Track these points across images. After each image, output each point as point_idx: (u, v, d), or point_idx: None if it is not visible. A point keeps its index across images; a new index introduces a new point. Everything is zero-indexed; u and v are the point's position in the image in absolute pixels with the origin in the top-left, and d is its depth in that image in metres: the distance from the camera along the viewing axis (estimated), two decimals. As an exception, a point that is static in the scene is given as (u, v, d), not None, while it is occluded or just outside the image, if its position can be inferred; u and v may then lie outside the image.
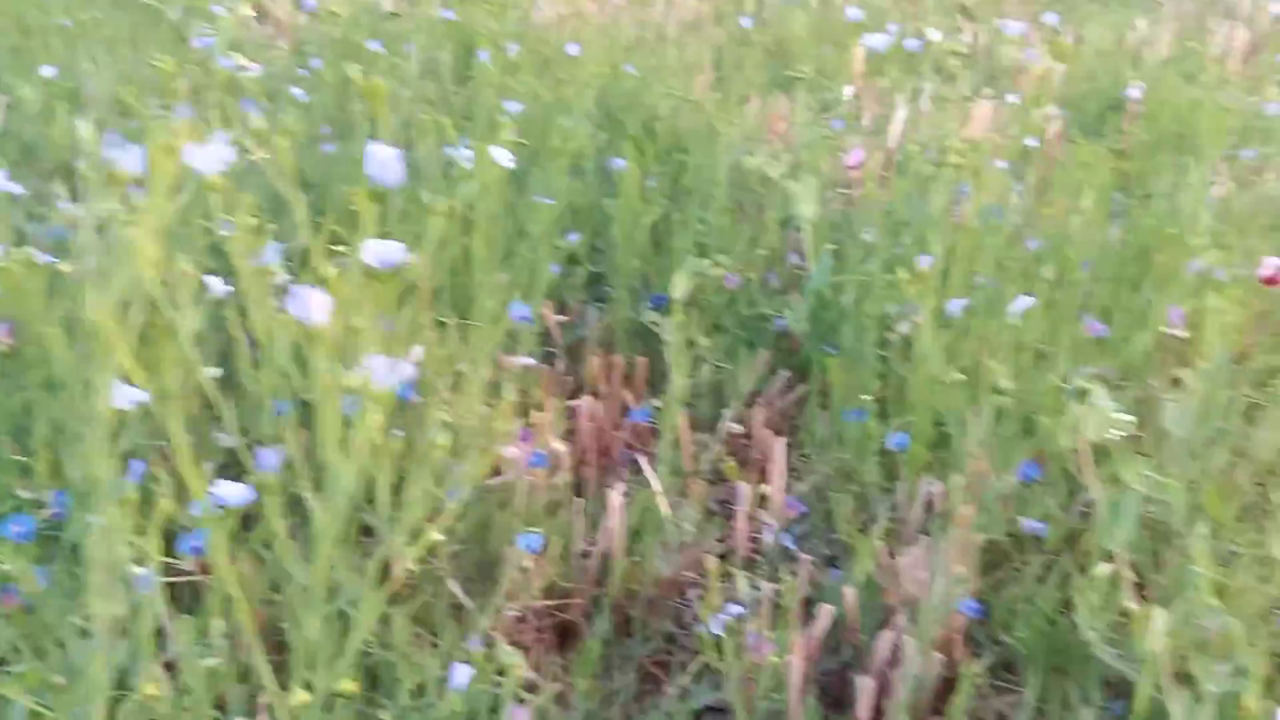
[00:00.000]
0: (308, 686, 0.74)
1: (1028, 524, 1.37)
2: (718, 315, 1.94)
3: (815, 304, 1.83)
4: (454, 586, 1.42)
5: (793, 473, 1.80)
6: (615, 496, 1.49)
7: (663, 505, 1.48)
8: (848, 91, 3.24)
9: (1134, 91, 2.56)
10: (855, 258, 1.82)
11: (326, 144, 2.09)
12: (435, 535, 1.36)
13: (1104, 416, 0.84)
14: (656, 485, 1.50)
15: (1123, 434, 0.85)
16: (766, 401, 1.86)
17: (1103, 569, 1.11)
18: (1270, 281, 1.34)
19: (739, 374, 1.80)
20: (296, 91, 2.03)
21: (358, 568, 1.32)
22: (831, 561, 1.62)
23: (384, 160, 0.65)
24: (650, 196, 2.06)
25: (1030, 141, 1.95)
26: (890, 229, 1.78)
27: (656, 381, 1.90)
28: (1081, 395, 0.84)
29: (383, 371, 0.72)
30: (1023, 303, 1.16)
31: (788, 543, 1.61)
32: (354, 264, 0.70)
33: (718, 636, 1.08)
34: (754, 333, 1.92)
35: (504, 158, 1.67)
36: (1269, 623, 1.18)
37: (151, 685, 0.70)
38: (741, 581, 1.36)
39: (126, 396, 0.89)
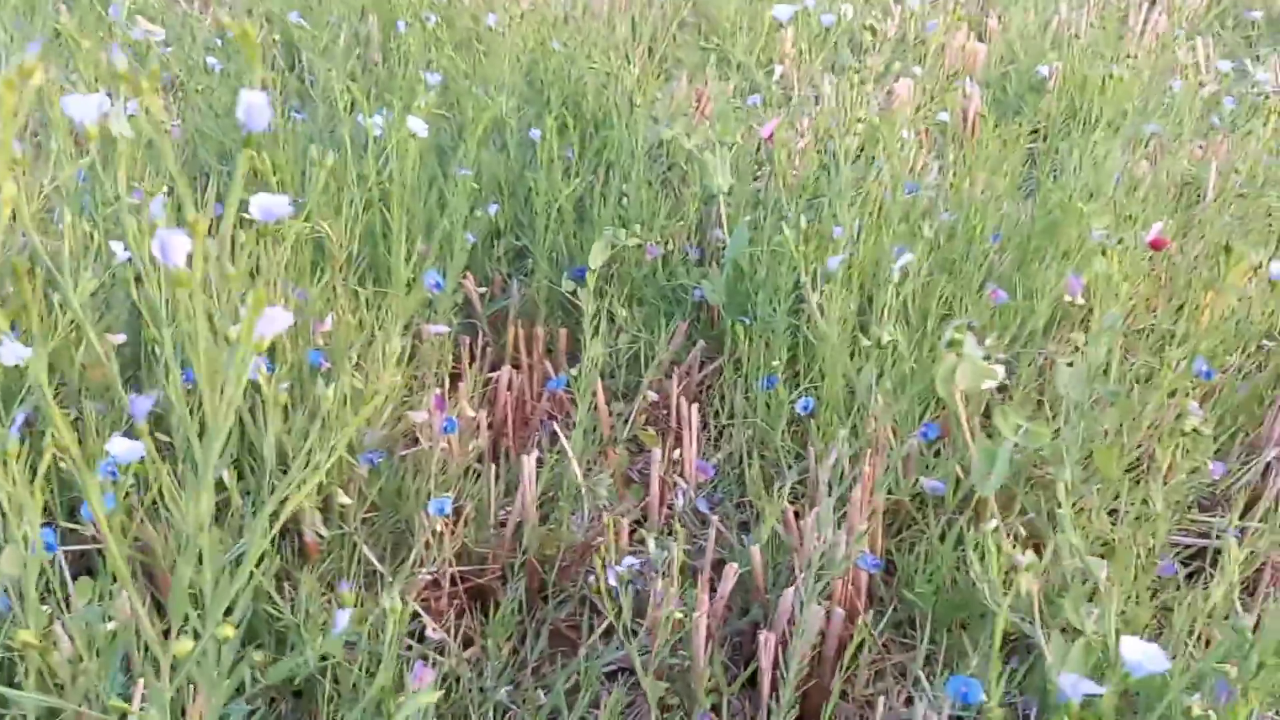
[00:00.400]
0: (195, 635, 0.75)
1: (929, 483, 1.41)
2: (638, 287, 1.96)
3: (733, 275, 1.85)
4: (367, 551, 1.43)
5: (712, 440, 1.83)
6: (529, 464, 1.51)
7: (576, 472, 1.49)
8: (778, 70, 3.27)
9: (1044, 70, 2.62)
10: (772, 229, 1.84)
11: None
12: (344, 499, 1.37)
13: (976, 366, 0.87)
14: (571, 453, 1.51)
15: (995, 384, 0.88)
16: (685, 371, 1.88)
17: (991, 522, 1.15)
18: (1156, 245, 1.38)
19: (658, 344, 1.82)
20: (211, 60, 2.00)
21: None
22: (745, 526, 1.65)
23: (252, 106, 0.65)
24: (571, 169, 2.07)
25: (943, 116, 1.98)
26: (806, 201, 1.81)
27: (578, 352, 1.91)
28: (954, 345, 0.87)
29: (264, 321, 0.73)
30: (904, 258, 1.19)
31: (702, 507, 1.64)
32: (231, 214, 0.71)
33: (616, 591, 1.10)
34: (674, 304, 1.94)
35: (419, 128, 1.67)
36: (1149, 571, 1.23)
37: (27, 634, 0.71)
38: (650, 543, 1.39)
39: (11, 353, 0.89)
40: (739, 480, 1.68)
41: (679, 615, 1.28)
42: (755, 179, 2.10)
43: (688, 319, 1.91)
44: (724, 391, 1.81)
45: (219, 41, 2.23)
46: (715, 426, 1.82)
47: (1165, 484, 1.32)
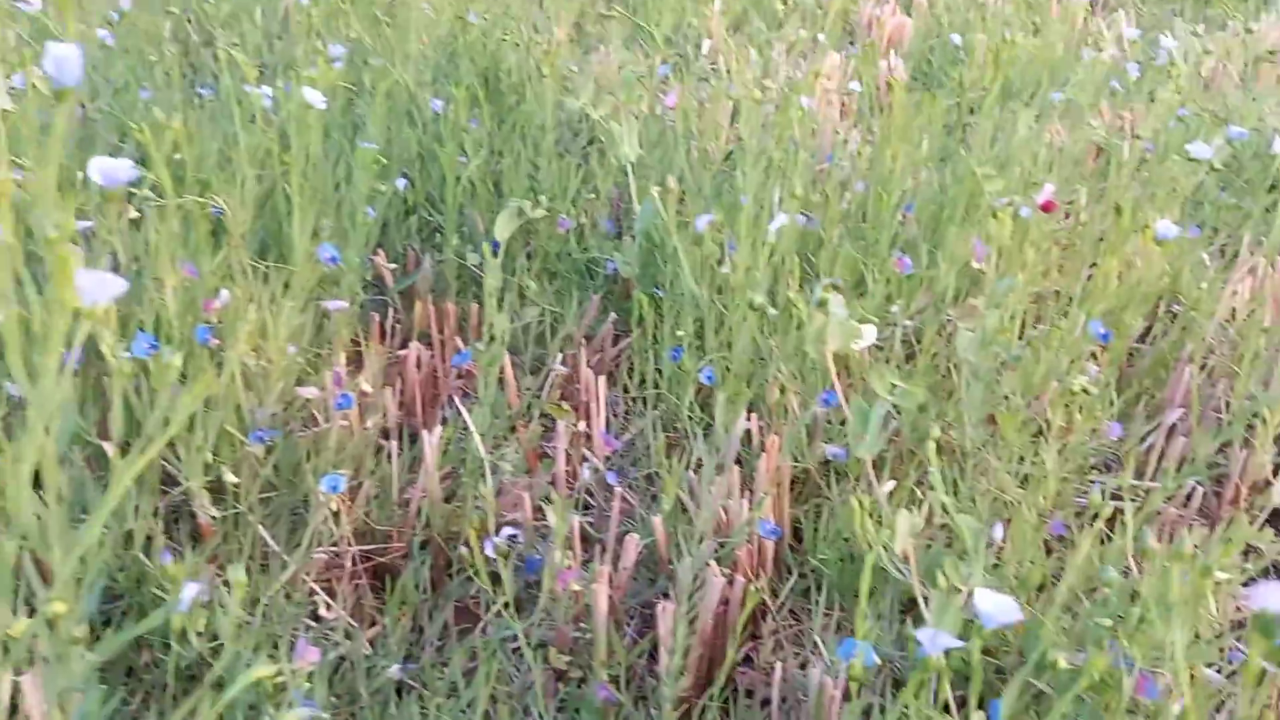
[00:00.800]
0: (31, 614, 0.72)
1: (831, 450, 1.40)
2: (551, 260, 1.94)
3: (645, 246, 1.84)
4: (262, 530, 1.40)
5: (623, 414, 1.81)
6: (429, 440, 1.48)
7: (479, 447, 1.47)
8: (706, 45, 3.25)
9: (956, 39, 2.63)
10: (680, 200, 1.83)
11: (144, 90, 2.01)
12: (230, 478, 1.34)
13: (844, 326, 0.86)
14: (473, 427, 1.49)
15: (865, 343, 0.87)
16: (599, 344, 1.86)
17: (886, 486, 1.15)
18: (1046, 208, 1.39)
19: (569, 317, 1.80)
20: (103, 33, 1.94)
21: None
22: (655, 497, 1.64)
23: (61, 58, 0.62)
24: (480, 141, 2.03)
25: (854, 85, 1.97)
26: (718, 170, 1.79)
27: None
28: (822, 305, 0.86)
29: (91, 288, 0.70)
30: (778, 221, 1.18)
31: (613, 480, 1.62)
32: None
33: (492, 560, 1.08)
34: (589, 277, 1.92)
35: (316, 99, 1.63)
36: (1040, 530, 1.24)
37: None
38: (552, 516, 1.37)
39: None
40: (649, 452, 1.67)
41: (576, 588, 1.26)
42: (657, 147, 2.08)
43: (601, 292, 1.90)
44: (635, 364, 1.80)
45: (115, 16, 2.17)
46: (626, 400, 1.81)
47: (1064, 445, 1.33)
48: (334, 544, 1.43)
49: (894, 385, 0.91)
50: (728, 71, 2.60)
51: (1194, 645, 1.14)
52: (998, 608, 0.70)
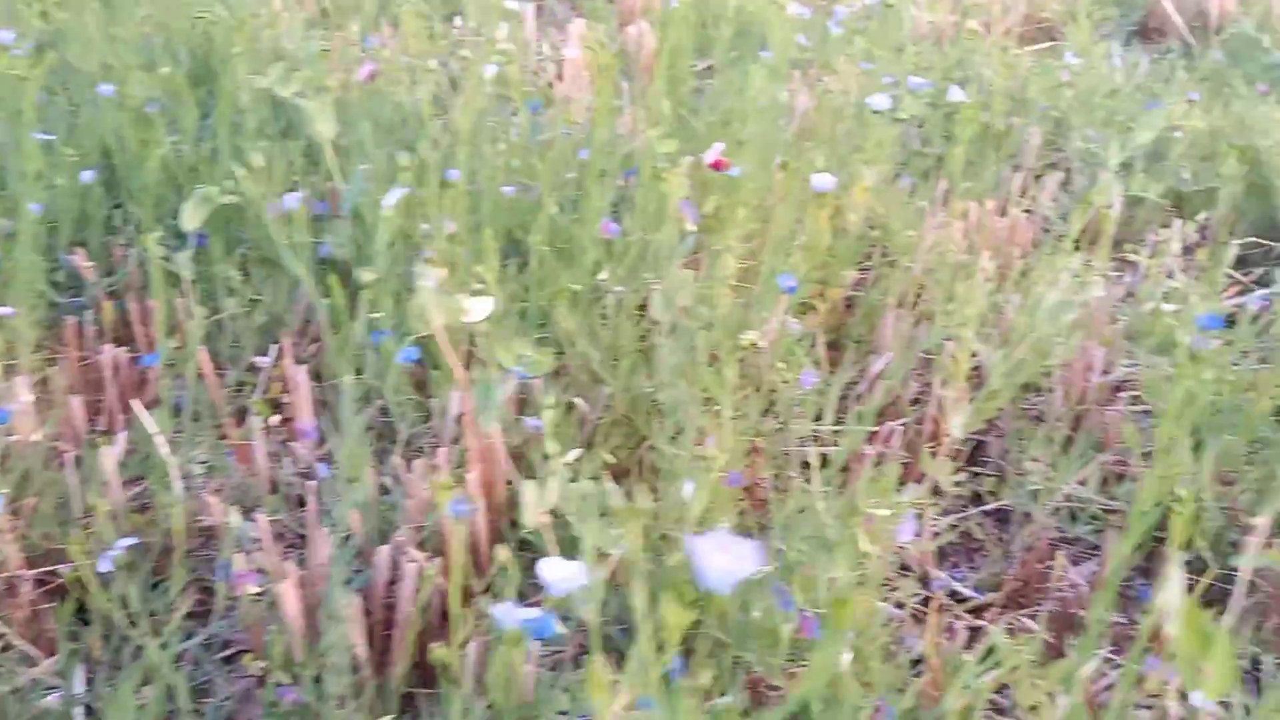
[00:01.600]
0: None
1: (530, 422, 1.39)
2: (259, 247, 1.85)
3: (358, 226, 1.77)
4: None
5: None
6: (109, 449, 1.39)
7: (163, 452, 1.39)
8: (457, 22, 3.18)
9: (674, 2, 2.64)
10: (388, 176, 1.77)
11: None
12: None
13: (445, 301, 0.83)
14: (154, 430, 1.40)
15: (477, 317, 0.85)
16: (316, 333, 1.79)
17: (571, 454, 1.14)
18: (715, 166, 1.41)
19: (278, 306, 1.72)
20: None
21: None
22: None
23: None
24: (187, 127, 1.92)
25: (569, 53, 1.95)
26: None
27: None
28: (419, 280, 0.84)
29: None
30: (393, 195, 1.14)
31: (324, 472, 1.56)
32: None
33: (104, 576, 1.02)
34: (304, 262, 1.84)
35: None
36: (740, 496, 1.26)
37: None
38: (234, 516, 1.31)
39: None
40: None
41: (252, 590, 1.21)
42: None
43: (316, 277, 1.82)
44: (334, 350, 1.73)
45: None
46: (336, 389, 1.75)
47: (745, 397, 1.35)
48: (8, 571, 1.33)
49: (520, 355, 0.89)
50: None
51: (862, 584, 1.18)
52: (564, 575, 0.69)
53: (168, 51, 2.35)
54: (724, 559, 0.51)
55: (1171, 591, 0.63)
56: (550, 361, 0.89)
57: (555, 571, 0.69)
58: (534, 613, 0.72)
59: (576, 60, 2.72)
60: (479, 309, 0.86)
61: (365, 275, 1.04)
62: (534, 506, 0.90)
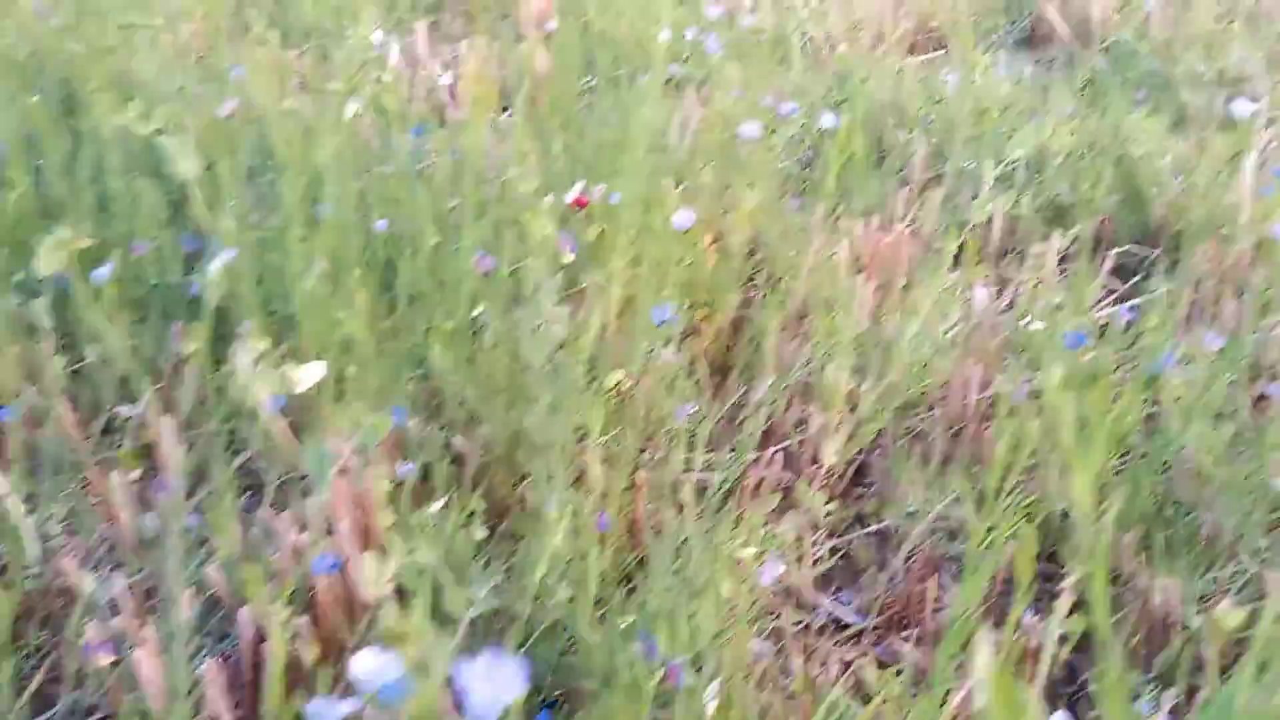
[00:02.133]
0: None
1: (400, 469, 1.36)
2: (130, 289, 1.79)
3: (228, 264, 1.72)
4: None
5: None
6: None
7: (12, 508, 1.33)
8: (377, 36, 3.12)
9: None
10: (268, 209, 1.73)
11: None
12: None
13: (269, 376, 0.81)
14: (4, 490, 1.34)
15: (305, 386, 0.82)
16: (190, 375, 1.74)
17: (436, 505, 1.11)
18: (578, 204, 1.40)
19: (147, 350, 1.67)
20: None
21: None
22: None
23: None
24: (44, 166, 1.85)
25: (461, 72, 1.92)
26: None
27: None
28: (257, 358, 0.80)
29: None
30: (217, 261, 1.07)
31: (194, 523, 1.51)
32: None
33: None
34: (171, 303, 1.79)
35: None
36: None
37: None
38: (88, 582, 1.26)
39: None
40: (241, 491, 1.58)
41: (103, 661, 1.16)
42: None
43: (187, 318, 1.77)
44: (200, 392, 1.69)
45: None
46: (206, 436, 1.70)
47: (639, 428, 1.34)
48: None
49: (357, 421, 0.86)
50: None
51: (731, 624, 1.18)
52: (376, 669, 0.66)
53: (37, 80, 2.27)
54: (488, 688, 0.50)
55: (981, 661, 0.63)
56: (387, 426, 0.87)
57: (365, 664, 0.66)
58: (347, 708, 0.70)
59: (468, 79, 2.69)
60: (309, 376, 0.83)
61: (188, 345, 1.01)
62: (374, 581, 0.88)
